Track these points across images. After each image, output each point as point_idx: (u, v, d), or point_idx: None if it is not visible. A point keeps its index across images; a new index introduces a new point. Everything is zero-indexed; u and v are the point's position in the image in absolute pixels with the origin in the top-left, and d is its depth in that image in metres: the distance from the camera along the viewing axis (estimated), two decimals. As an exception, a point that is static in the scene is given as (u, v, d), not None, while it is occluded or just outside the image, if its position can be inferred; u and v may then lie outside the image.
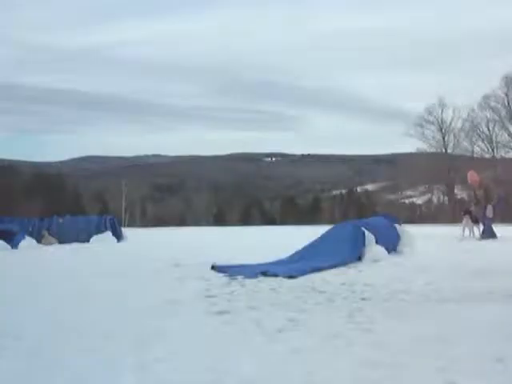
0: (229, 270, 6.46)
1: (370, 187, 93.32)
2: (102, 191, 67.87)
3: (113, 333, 3.52)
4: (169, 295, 4.88)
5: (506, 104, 43.84)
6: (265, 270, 6.30)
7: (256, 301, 4.63)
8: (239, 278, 6.02)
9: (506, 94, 43.55)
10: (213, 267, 6.74)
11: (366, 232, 7.72)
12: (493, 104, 44.31)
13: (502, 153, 45.68)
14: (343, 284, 5.56)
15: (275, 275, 6.07)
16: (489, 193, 12.09)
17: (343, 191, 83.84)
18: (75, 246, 12.07)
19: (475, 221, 13.15)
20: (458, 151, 47.16)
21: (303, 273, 6.22)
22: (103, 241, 12.99)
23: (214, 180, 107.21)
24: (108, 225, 13.82)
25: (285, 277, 5.97)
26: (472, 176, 12.45)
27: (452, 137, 47.10)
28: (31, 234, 12.67)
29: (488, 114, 44.65)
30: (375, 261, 7.39)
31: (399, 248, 8.48)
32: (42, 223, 13.61)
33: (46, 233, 13.10)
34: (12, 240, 11.67)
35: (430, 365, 2.73)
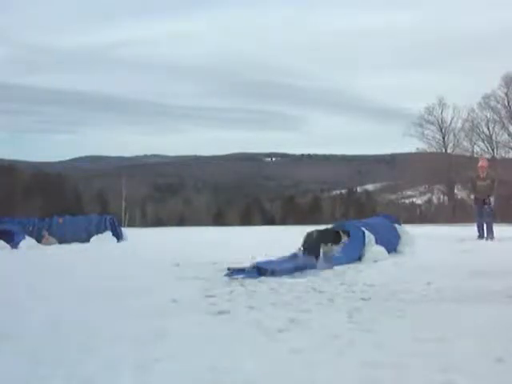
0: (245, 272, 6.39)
1: (370, 187, 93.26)
2: (102, 191, 67.79)
3: (113, 333, 3.52)
4: (169, 295, 4.87)
5: (506, 104, 43.80)
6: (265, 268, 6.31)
7: (256, 301, 4.63)
8: (239, 277, 6.02)
9: (506, 94, 43.49)
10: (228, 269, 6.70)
11: (366, 232, 7.72)
12: (493, 104, 44.28)
13: (502, 153, 45.66)
14: (343, 284, 5.56)
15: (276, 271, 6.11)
16: (493, 185, 11.96)
17: (343, 191, 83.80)
18: (75, 246, 12.05)
19: None
20: (457, 151, 47.11)
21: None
22: (103, 241, 12.97)
23: (214, 180, 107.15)
24: (108, 225, 13.80)
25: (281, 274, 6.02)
26: (484, 162, 12.38)
27: (452, 137, 47.04)
28: (31, 234, 12.65)
29: (488, 114, 44.61)
30: (375, 261, 7.39)
31: (399, 248, 8.48)
32: (42, 223, 13.59)
33: (46, 233, 13.09)
34: (12, 240, 11.66)
35: (430, 365, 2.73)
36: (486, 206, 11.68)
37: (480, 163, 12.24)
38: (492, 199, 11.60)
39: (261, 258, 7.38)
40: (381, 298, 4.75)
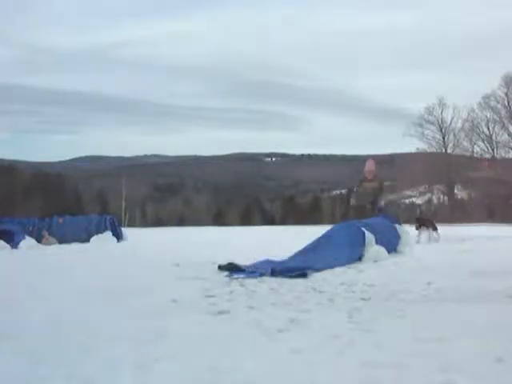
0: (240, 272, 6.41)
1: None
2: (102, 191, 67.81)
3: (113, 333, 3.52)
4: (169, 295, 4.87)
5: (506, 104, 43.84)
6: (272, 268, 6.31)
7: (256, 301, 4.63)
8: (239, 277, 6.02)
9: (506, 94, 43.53)
10: (220, 267, 6.72)
11: (366, 232, 7.72)
12: (493, 104, 44.34)
13: (502, 153, 45.71)
14: (343, 284, 5.56)
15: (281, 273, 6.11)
16: (382, 186, 11.11)
17: (343, 191, 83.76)
18: (75, 246, 12.06)
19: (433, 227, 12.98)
20: (457, 151, 47.16)
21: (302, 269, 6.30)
22: (103, 241, 12.98)
23: (214, 180, 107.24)
24: (108, 225, 13.81)
25: (286, 276, 6.00)
26: (370, 165, 11.18)
27: (452, 137, 47.08)
28: (31, 234, 12.65)
29: (488, 114, 44.68)
30: (375, 261, 7.39)
31: (399, 248, 8.48)
32: (42, 223, 13.60)
33: (46, 233, 13.10)
34: (12, 240, 11.67)
35: (430, 365, 2.73)
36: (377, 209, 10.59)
37: (366, 167, 11.14)
38: (383, 202, 10.79)
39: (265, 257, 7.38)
40: (381, 298, 4.74)
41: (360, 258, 7.48)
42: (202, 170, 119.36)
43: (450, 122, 46.69)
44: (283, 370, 2.70)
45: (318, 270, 6.48)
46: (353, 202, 11.19)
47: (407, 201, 65.28)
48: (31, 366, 2.83)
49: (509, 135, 44.62)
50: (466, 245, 10.36)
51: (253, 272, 6.34)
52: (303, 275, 6.05)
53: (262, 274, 6.18)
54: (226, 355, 2.97)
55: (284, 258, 7.48)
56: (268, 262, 7.09)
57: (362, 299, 4.68)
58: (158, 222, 52.59)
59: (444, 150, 47.24)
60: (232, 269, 6.56)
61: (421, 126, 46.84)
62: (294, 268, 6.38)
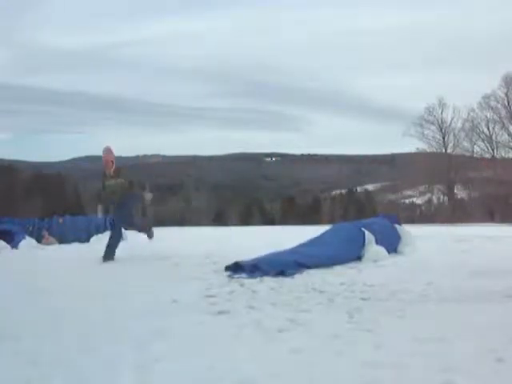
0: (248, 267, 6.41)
1: (369, 187, 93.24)
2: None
3: (113, 333, 3.52)
4: (169, 295, 4.87)
5: (506, 104, 43.78)
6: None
7: (256, 301, 4.63)
8: (239, 277, 6.02)
9: (506, 94, 43.48)
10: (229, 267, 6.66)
11: (366, 232, 7.72)
12: (493, 104, 44.28)
13: (502, 153, 45.68)
14: (343, 284, 5.56)
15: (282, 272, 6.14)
16: (133, 186, 8.60)
17: (343, 191, 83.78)
18: (75, 246, 12.06)
19: None
20: (458, 151, 47.12)
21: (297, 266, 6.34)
22: (103, 241, 12.93)
23: (213, 180, 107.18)
24: (108, 225, 13.79)
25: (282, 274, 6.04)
26: (108, 155, 8.32)
27: (452, 137, 47.01)
28: (31, 234, 12.65)
29: (488, 114, 44.62)
30: (375, 261, 7.39)
31: (399, 248, 8.47)
32: (42, 223, 13.59)
33: (46, 233, 13.10)
34: (12, 240, 11.66)
35: (430, 365, 2.73)
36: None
37: (104, 156, 8.32)
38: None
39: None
40: (381, 298, 4.74)
41: (360, 258, 7.48)
42: (202, 170, 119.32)
43: (450, 122, 46.67)
44: (283, 370, 2.70)
45: (316, 266, 6.52)
46: (99, 212, 8.84)
47: (407, 201, 65.30)
48: (31, 366, 2.83)
49: (509, 135, 44.58)
50: (465, 245, 10.33)
51: (253, 272, 6.33)
52: (282, 273, 6.10)
53: (262, 275, 6.16)
54: (225, 355, 2.97)
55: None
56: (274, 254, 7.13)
57: (362, 299, 4.68)
58: (158, 222, 52.55)
59: (444, 150, 47.20)
60: (237, 268, 6.53)
61: (421, 126, 46.80)
62: (284, 263, 6.44)
